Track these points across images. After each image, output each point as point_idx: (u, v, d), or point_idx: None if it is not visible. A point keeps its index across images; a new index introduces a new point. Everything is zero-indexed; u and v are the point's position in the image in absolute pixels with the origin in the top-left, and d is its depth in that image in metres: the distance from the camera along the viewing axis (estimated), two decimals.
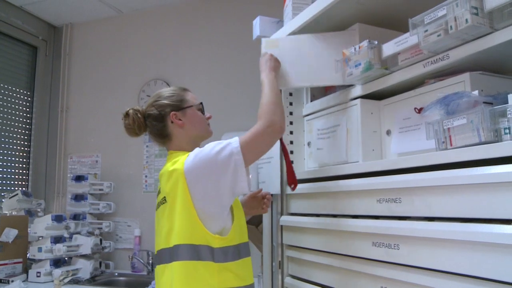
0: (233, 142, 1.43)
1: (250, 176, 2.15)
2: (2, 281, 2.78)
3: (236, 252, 1.46)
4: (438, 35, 1.20)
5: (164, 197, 1.49)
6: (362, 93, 1.58)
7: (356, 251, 1.45)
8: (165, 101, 1.62)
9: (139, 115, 1.62)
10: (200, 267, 1.39)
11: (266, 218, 1.95)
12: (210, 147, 1.44)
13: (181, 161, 1.46)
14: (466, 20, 1.11)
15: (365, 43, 1.48)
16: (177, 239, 1.42)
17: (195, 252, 1.39)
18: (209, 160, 1.42)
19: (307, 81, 1.75)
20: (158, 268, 1.52)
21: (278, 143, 1.81)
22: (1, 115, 3.55)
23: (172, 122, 1.60)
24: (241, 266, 1.47)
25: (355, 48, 1.52)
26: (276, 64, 1.67)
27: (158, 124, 1.62)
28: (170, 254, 1.43)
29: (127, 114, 1.63)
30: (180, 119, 1.61)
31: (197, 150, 1.48)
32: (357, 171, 1.51)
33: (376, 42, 1.47)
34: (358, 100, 1.58)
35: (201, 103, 1.69)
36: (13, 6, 3.59)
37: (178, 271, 1.41)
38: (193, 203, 1.40)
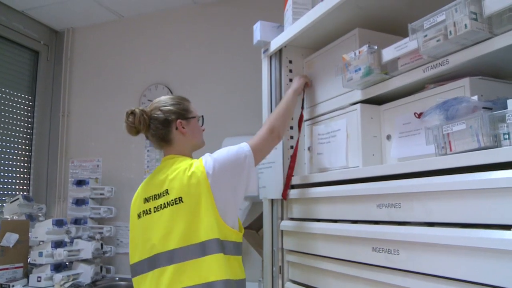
0: (244, 146, 1.61)
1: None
2: (3, 286, 2.77)
3: (240, 248, 1.62)
4: (438, 40, 1.20)
5: (180, 197, 1.54)
6: (362, 98, 1.58)
7: (356, 256, 1.44)
8: (172, 108, 1.69)
9: (145, 116, 1.66)
10: (227, 260, 1.51)
11: (266, 223, 1.94)
12: (226, 151, 1.59)
13: (198, 165, 1.56)
14: (465, 25, 1.11)
15: (364, 48, 1.48)
16: (206, 235, 1.49)
17: (222, 246, 1.50)
18: (228, 163, 1.57)
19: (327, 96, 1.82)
20: (168, 269, 1.51)
21: (281, 147, 1.85)
22: (3, 119, 3.55)
23: (176, 128, 1.68)
24: (241, 261, 1.62)
25: (355, 53, 1.53)
26: (300, 85, 1.87)
27: (163, 128, 1.67)
28: (199, 250, 1.49)
29: (132, 113, 1.65)
30: (183, 128, 1.68)
31: (212, 155, 1.59)
32: (357, 176, 1.51)
33: (376, 47, 1.47)
34: (358, 105, 1.58)
35: (202, 116, 1.79)
36: (15, 11, 3.60)
37: (217, 263, 1.48)
38: (215, 204, 1.51)
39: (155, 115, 1.67)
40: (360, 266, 1.42)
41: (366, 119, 1.57)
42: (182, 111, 1.70)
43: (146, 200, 1.64)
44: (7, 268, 2.87)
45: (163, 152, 1.74)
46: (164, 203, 1.58)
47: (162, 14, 3.68)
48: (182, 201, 1.54)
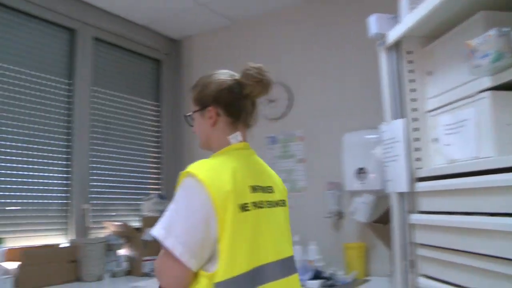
0: None
1: (374, 175, 2.14)
2: (147, 274, 3.10)
3: None
4: None
5: (283, 200, 1.42)
6: (491, 84, 1.50)
7: (496, 251, 1.38)
8: None
9: None
10: None
11: (395, 216, 1.92)
12: None
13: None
14: None
15: (493, 32, 1.40)
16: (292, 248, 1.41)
17: None
18: None
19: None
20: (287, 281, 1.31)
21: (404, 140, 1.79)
22: (136, 125, 3.91)
23: None
24: None
25: (482, 38, 1.45)
26: None
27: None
28: (294, 263, 1.38)
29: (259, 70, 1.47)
30: None
31: None
32: (492, 166, 1.43)
33: (506, 29, 1.38)
34: (488, 93, 1.50)
35: None
36: (137, 26, 3.92)
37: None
38: None
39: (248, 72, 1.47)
40: (502, 261, 1.35)
41: (498, 106, 1.48)
42: None
43: (254, 189, 1.27)
44: (149, 260, 3.16)
45: (239, 134, 1.42)
46: (274, 201, 1.33)
47: (270, 15, 3.75)
48: (285, 205, 1.42)
